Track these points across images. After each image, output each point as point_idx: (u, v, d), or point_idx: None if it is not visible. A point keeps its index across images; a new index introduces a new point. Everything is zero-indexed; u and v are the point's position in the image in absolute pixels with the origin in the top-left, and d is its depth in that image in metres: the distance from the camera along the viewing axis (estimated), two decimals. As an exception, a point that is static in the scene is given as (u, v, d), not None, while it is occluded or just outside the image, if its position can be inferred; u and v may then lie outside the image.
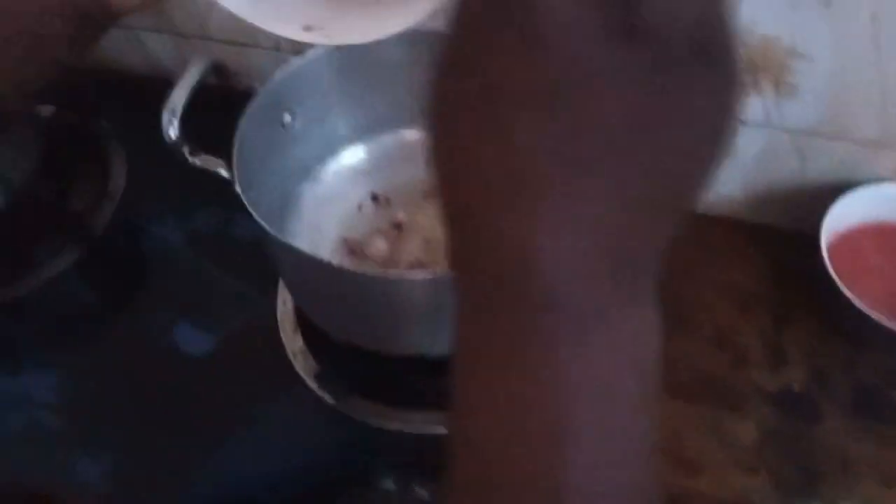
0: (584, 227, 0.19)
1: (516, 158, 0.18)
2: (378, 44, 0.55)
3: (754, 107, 0.62)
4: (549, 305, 0.20)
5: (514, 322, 0.20)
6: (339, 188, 0.61)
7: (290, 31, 0.34)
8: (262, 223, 0.45)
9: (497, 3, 0.18)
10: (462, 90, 0.19)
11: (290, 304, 0.60)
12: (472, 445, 0.23)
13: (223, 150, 0.49)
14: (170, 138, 0.47)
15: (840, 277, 0.59)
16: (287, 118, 0.55)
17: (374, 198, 0.61)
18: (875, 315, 0.57)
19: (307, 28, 0.34)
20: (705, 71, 0.18)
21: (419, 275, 0.43)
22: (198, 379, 0.58)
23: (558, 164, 0.18)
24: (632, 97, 0.17)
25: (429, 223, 0.59)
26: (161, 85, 0.78)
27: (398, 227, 0.59)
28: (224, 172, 0.48)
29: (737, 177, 0.68)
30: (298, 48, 0.73)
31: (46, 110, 0.72)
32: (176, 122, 0.46)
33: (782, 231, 0.69)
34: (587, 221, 0.19)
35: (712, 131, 0.19)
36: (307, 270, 0.48)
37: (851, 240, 0.65)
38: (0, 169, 0.62)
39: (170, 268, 0.66)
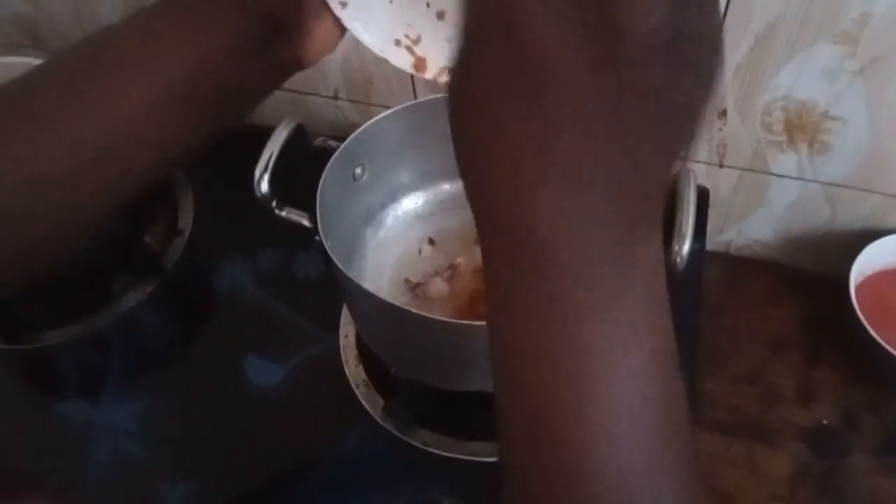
0: (578, 182, 0.21)
1: (514, 135, 0.21)
2: (439, 104, 0.59)
3: (789, 161, 0.66)
4: (556, 266, 0.22)
5: (530, 288, 0.23)
6: (400, 232, 0.65)
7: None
8: (342, 268, 0.50)
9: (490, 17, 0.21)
10: (471, 92, 0.23)
11: (352, 338, 0.64)
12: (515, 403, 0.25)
13: (301, 197, 0.54)
14: (261, 193, 0.51)
15: (867, 320, 0.63)
16: (358, 171, 0.59)
17: (432, 241, 0.65)
18: (901, 357, 0.61)
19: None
20: (678, 70, 0.20)
21: (481, 321, 0.47)
22: (267, 408, 0.63)
23: (552, 135, 0.21)
24: (608, 85, 0.20)
25: (480, 264, 0.63)
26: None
27: (454, 268, 0.63)
28: (307, 223, 0.53)
29: (769, 224, 0.72)
30: (357, 97, 0.78)
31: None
32: (266, 178, 0.51)
33: (812, 275, 0.73)
34: (581, 179, 0.21)
35: (685, 117, 0.21)
36: (378, 314, 0.53)
37: (877, 284, 0.69)
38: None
39: (237, 302, 0.70)
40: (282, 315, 0.68)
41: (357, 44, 0.37)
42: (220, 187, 0.71)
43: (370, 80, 0.75)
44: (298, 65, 0.37)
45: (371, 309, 0.52)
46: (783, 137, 0.64)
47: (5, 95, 0.34)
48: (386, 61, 0.39)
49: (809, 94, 0.60)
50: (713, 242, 0.76)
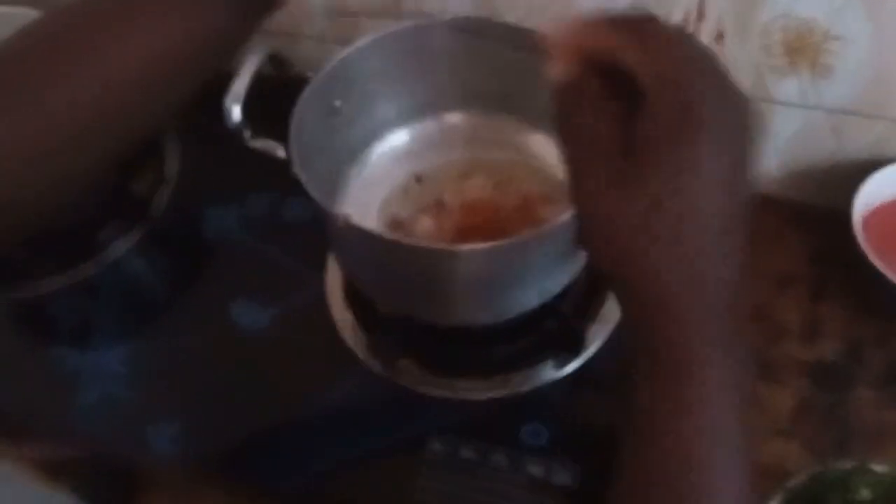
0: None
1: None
2: (422, 31, 0.58)
3: (790, 87, 0.63)
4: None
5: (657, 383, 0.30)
6: (385, 170, 0.64)
7: None
8: (318, 199, 0.48)
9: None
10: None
11: (339, 281, 0.63)
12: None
13: (279, 135, 0.52)
14: (232, 123, 0.50)
15: (874, 252, 0.61)
16: (337, 103, 0.57)
17: (418, 179, 0.63)
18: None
19: None
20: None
21: (465, 246, 0.45)
22: (255, 351, 0.62)
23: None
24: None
25: (468, 199, 0.61)
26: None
27: (440, 204, 0.61)
28: (281, 154, 0.51)
29: (773, 156, 0.69)
30: (342, 36, 0.76)
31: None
32: (237, 108, 0.49)
33: (818, 208, 0.70)
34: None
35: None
36: (359, 244, 0.52)
37: (885, 215, 0.66)
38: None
39: (225, 247, 0.69)
40: (270, 259, 0.67)
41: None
42: (206, 133, 0.70)
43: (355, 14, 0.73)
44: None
45: (348, 238, 0.51)
46: (784, 61, 0.61)
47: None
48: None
49: (809, 11, 0.57)
50: (715, 179, 0.73)
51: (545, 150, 0.62)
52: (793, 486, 0.51)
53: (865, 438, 0.57)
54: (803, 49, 0.59)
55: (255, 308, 0.64)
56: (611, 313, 0.59)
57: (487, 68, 0.60)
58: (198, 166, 0.73)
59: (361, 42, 0.56)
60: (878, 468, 0.51)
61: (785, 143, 0.67)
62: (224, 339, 0.63)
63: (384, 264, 0.51)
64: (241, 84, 0.50)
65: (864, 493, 0.50)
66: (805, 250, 0.69)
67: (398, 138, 0.64)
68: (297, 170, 0.49)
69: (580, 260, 0.54)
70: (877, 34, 0.57)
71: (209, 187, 0.73)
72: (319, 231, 0.55)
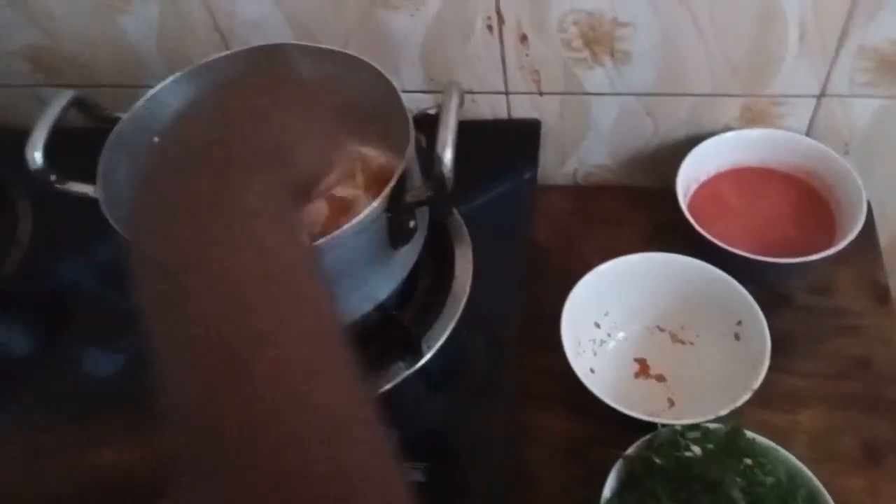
0: None
1: None
2: (232, 59, 0.59)
3: (598, 77, 0.66)
4: None
5: None
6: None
7: None
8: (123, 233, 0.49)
9: None
10: None
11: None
12: None
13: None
14: (34, 169, 0.50)
15: (705, 222, 0.64)
16: (156, 140, 0.58)
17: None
18: (734, 249, 0.61)
19: None
20: None
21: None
22: (110, 396, 0.61)
23: None
24: None
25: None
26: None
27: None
28: (94, 195, 0.51)
29: (603, 146, 0.73)
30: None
31: (-47, 172, 0.75)
32: (38, 154, 0.50)
33: (656, 191, 0.73)
34: None
35: None
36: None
37: (711, 187, 0.70)
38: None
39: (78, 298, 0.69)
40: (121, 304, 0.67)
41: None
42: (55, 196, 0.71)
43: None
44: None
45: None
46: (585, 53, 0.65)
47: None
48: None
49: (594, 2, 0.61)
50: (559, 175, 0.77)
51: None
52: (629, 452, 0.52)
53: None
54: (598, 39, 0.63)
55: (109, 354, 0.64)
56: (448, 319, 0.60)
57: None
58: (48, 226, 0.73)
59: (169, 78, 0.57)
60: (711, 426, 0.53)
61: (609, 131, 0.71)
62: (79, 388, 0.62)
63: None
64: (40, 132, 0.51)
65: (694, 449, 0.52)
66: (646, 230, 0.72)
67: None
68: (104, 208, 0.50)
69: (403, 266, 0.55)
70: (659, 17, 0.60)
71: (60, 243, 0.73)
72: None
